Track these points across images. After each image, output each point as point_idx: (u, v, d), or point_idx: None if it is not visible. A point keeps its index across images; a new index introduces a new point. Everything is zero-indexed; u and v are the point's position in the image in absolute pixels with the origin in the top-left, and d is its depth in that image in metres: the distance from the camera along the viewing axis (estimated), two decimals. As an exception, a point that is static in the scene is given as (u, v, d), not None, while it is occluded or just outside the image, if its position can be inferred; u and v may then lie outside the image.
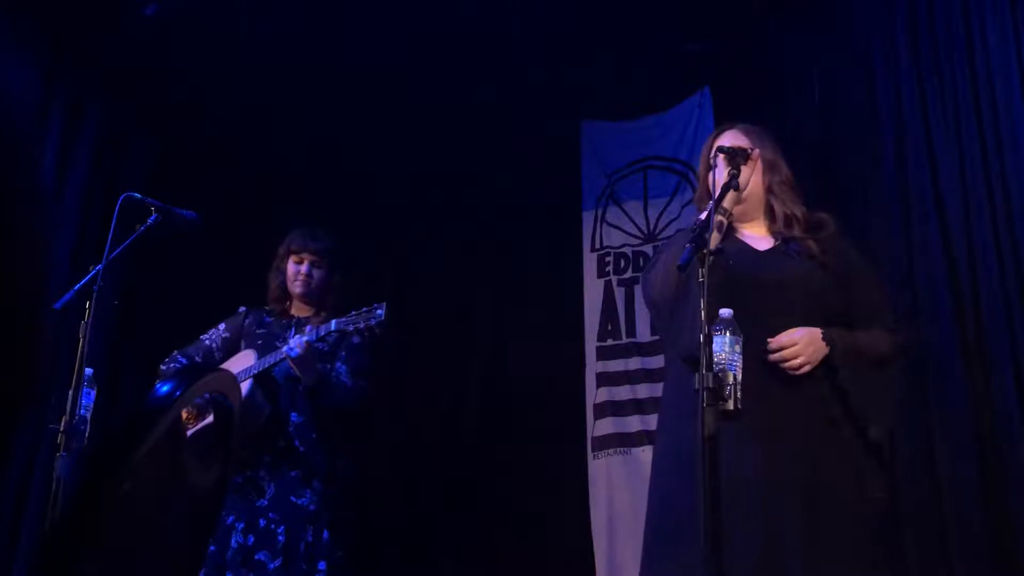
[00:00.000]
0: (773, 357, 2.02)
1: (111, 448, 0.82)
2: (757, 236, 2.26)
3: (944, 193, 3.13)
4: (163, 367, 3.02)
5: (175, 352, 3.04)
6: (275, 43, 4.12)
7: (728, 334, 1.84)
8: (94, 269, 2.55)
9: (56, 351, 3.54)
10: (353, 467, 2.96)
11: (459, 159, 4.64)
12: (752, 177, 2.21)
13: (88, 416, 2.63)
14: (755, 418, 2.00)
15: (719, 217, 2.16)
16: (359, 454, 4.43)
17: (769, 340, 2.03)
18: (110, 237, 2.59)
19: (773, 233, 2.24)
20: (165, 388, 0.88)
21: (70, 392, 2.38)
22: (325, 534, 2.74)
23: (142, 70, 4.08)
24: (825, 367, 2.05)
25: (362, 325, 2.68)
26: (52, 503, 2.34)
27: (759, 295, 2.11)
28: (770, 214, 2.25)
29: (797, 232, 2.19)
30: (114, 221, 2.60)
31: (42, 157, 3.66)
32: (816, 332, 2.04)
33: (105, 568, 0.82)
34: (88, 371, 2.61)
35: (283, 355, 2.73)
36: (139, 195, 2.71)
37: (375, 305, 2.69)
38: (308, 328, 2.82)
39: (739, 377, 1.82)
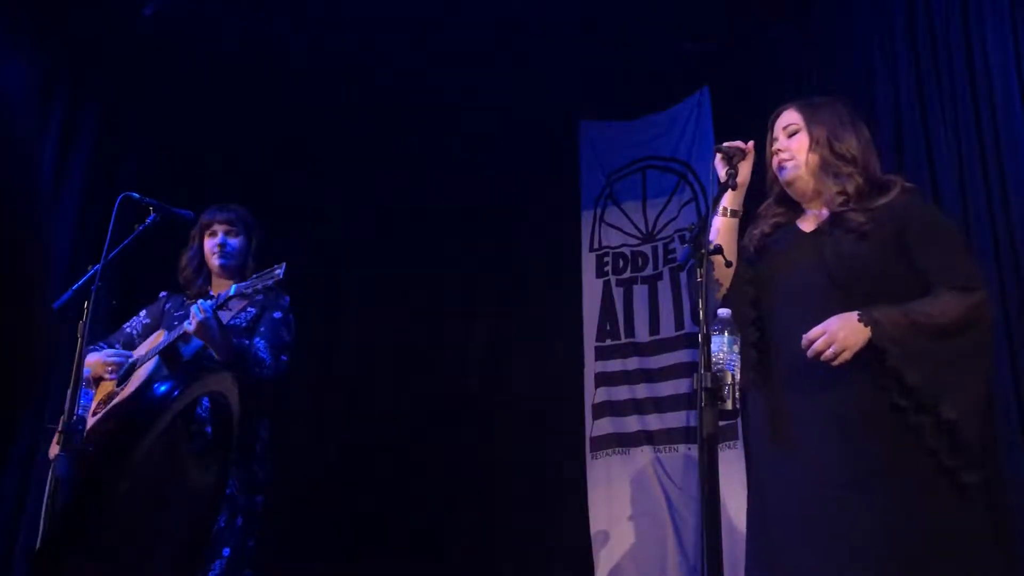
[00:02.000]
0: (809, 354, 1.93)
1: (109, 448, 0.82)
2: (812, 216, 2.23)
3: (943, 194, 3.13)
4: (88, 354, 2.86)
5: (99, 342, 2.92)
6: (273, 43, 4.12)
7: (726, 334, 1.84)
8: (92, 269, 2.54)
9: (54, 351, 3.53)
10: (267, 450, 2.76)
11: (457, 159, 4.64)
12: (802, 156, 2.18)
13: (86, 416, 2.63)
14: (804, 424, 1.98)
15: (723, 218, 2.18)
16: (355, 454, 4.45)
17: (803, 337, 1.95)
18: (108, 237, 2.58)
19: (826, 210, 2.18)
20: (163, 388, 0.88)
21: (68, 392, 2.37)
22: (239, 520, 2.60)
23: (141, 70, 4.08)
24: (873, 351, 1.92)
25: (260, 286, 2.56)
26: (50, 503, 2.33)
27: (795, 286, 2.09)
28: (823, 190, 2.19)
29: (850, 205, 2.10)
30: (112, 221, 2.59)
31: (40, 156, 3.66)
32: (850, 316, 1.92)
33: (103, 567, 0.82)
34: (86, 371, 2.61)
35: (183, 329, 2.58)
36: (137, 195, 2.69)
37: (275, 266, 2.58)
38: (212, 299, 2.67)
39: (737, 377, 1.82)
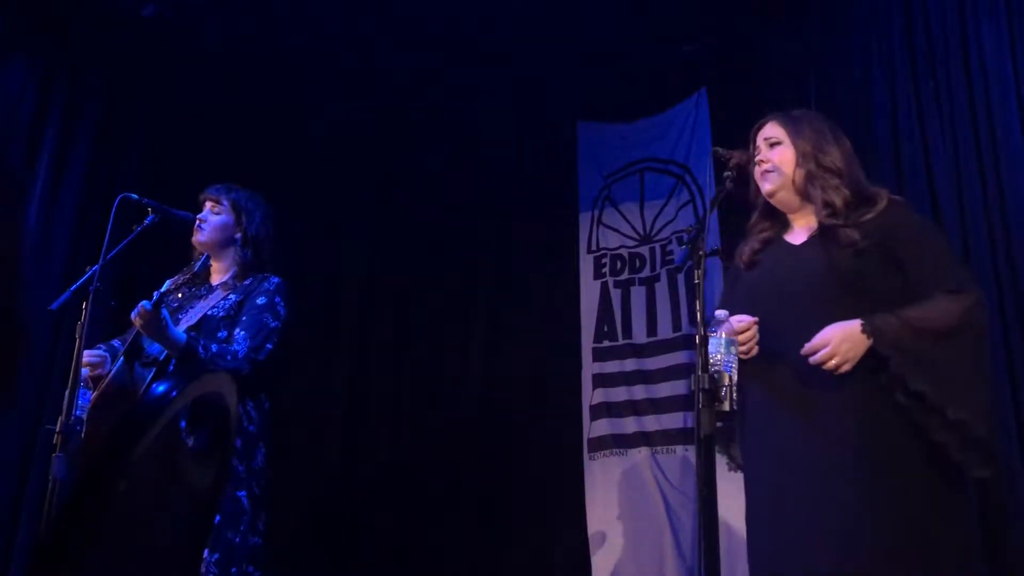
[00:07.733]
0: (812, 360, 1.93)
1: (107, 448, 0.82)
2: (800, 229, 2.23)
3: (940, 199, 3.14)
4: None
5: (100, 344, 2.85)
6: (273, 44, 4.13)
7: (723, 335, 1.85)
8: (91, 269, 2.54)
9: (53, 352, 3.54)
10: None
11: (456, 161, 4.65)
12: (787, 169, 2.18)
13: (84, 417, 2.63)
14: (799, 428, 1.98)
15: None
16: (352, 455, 4.45)
17: (806, 346, 1.94)
18: (107, 237, 2.58)
19: (816, 222, 2.17)
20: (161, 388, 0.88)
21: (66, 393, 2.37)
22: (217, 518, 2.52)
23: (141, 70, 4.09)
24: (875, 359, 1.92)
25: (188, 274, 2.59)
26: (48, 504, 2.33)
27: (791, 296, 2.08)
28: (810, 202, 2.19)
29: (838, 220, 2.10)
30: (111, 221, 2.59)
31: (35, 159, 3.66)
32: (852, 326, 1.93)
33: (101, 569, 0.82)
34: (84, 372, 2.61)
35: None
36: (136, 195, 2.69)
37: (200, 257, 2.70)
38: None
39: (735, 378, 1.83)
